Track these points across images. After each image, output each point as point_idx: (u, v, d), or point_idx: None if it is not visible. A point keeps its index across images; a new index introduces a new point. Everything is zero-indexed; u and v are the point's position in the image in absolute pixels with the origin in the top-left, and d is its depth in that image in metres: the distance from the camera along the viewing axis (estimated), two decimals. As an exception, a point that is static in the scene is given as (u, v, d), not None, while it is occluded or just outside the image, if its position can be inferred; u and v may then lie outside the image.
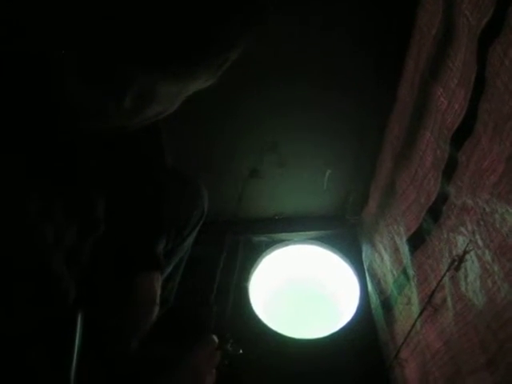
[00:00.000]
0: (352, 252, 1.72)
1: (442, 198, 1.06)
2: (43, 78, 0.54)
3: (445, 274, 1.04)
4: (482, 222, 0.88)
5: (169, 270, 1.15)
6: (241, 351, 1.02)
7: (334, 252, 1.73)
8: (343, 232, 1.75)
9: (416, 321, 1.20)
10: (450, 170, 1.00)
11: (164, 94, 0.61)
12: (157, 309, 0.97)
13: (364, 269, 1.65)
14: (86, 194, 0.75)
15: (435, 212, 1.10)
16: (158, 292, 0.98)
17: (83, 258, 0.77)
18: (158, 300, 0.97)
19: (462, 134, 0.93)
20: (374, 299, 1.55)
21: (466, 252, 0.95)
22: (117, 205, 0.88)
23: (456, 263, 0.99)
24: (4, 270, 0.60)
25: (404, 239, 1.29)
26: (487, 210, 0.86)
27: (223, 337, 0.97)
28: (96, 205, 0.79)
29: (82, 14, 0.49)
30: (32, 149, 0.62)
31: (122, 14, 0.49)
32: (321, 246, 1.75)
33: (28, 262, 0.63)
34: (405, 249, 1.29)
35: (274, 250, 1.73)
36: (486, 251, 0.87)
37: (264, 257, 1.72)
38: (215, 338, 0.92)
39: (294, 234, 1.74)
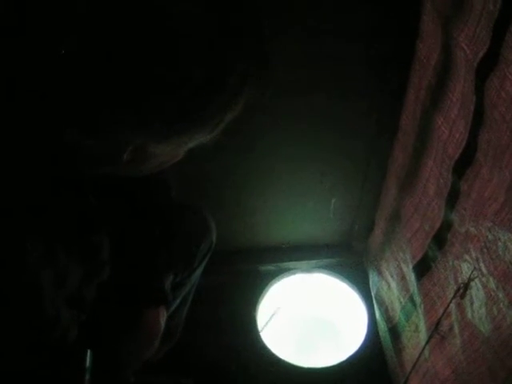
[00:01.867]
0: (359, 280, 1.72)
1: (447, 225, 1.07)
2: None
3: (451, 301, 1.04)
4: (485, 250, 0.89)
5: (177, 302, 1.16)
6: None
7: (341, 280, 1.73)
8: (350, 260, 1.75)
9: (424, 348, 1.19)
10: (453, 199, 1.02)
11: (161, 151, 0.63)
12: (158, 343, 0.98)
13: (371, 296, 1.65)
14: (89, 238, 0.76)
15: (440, 239, 1.11)
16: (163, 327, 0.99)
17: (87, 299, 0.78)
18: (160, 335, 0.98)
19: (464, 162, 0.95)
20: (382, 327, 1.55)
21: (470, 279, 0.96)
22: (125, 243, 0.90)
23: (461, 290, 0.99)
24: None
25: (410, 266, 1.29)
26: (490, 237, 0.87)
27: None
28: (101, 248, 0.79)
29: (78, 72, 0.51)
30: (37, 187, 0.63)
31: (109, 73, 0.50)
32: (328, 273, 1.75)
33: (22, 304, 0.64)
34: (411, 276, 1.29)
35: (281, 278, 1.74)
36: (491, 278, 0.88)
37: (271, 286, 1.72)
38: None
39: (300, 262, 1.74)
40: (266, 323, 1.71)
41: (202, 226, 1.18)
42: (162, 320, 0.98)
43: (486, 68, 0.80)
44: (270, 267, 1.74)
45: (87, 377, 0.73)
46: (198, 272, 1.20)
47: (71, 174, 0.67)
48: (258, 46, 0.59)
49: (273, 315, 1.76)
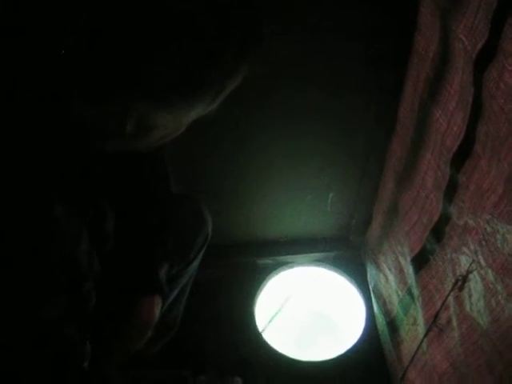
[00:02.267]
0: (357, 273, 1.72)
1: (445, 218, 1.07)
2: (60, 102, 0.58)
3: (449, 294, 1.04)
4: (483, 242, 0.89)
5: (174, 294, 1.16)
6: None
7: (339, 273, 1.73)
8: (348, 253, 1.76)
9: (422, 341, 1.20)
10: (451, 191, 1.01)
11: (162, 121, 0.64)
12: (150, 333, 0.98)
13: (369, 290, 1.65)
14: (95, 203, 0.78)
15: (438, 232, 1.11)
16: (157, 316, 0.99)
17: (95, 268, 0.79)
18: (153, 324, 0.98)
19: (462, 155, 0.95)
20: (380, 320, 1.55)
21: (469, 272, 0.96)
22: (121, 230, 0.90)
23: (460, 283, 0.99)
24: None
25: (408, 259, 1.29)
26: (488, 230, 0.87)
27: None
28: (105, 217, 0.81)
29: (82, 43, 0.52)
30: (54, 161, 0.66)
31: (115, 44, 0.52)
32: (326, 267, 1.75)
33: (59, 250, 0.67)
34: (409, 269, 1.29)
35: (279, 272, 1.74)
36: (489, 271, 0.88)
37: (269, 279, 1.72)
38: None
39: (298, 256, 1.75)
40: (275, 314, 1.72)
41: (198, 217, 1.19)
42: (157, 309, 0.98)
43: (484, 59, 0.79)
44: (268, 261, 1.74)
45: (85, 364, 0.74)
46: (195, 264, 1.21)
47: (80, 150, 0.69)
48: (255, 22, 0.61)
49: (280, 308, 1.76)
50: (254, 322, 1.60)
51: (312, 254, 1.75)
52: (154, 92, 0.57)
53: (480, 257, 0.91)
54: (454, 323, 1.04)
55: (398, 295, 1.41)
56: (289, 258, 1.75)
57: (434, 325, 1.12)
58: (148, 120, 0.62)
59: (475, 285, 0.94)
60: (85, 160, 0.73)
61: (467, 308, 0.98)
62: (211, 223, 1.22)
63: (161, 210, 1.08)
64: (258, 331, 1.58)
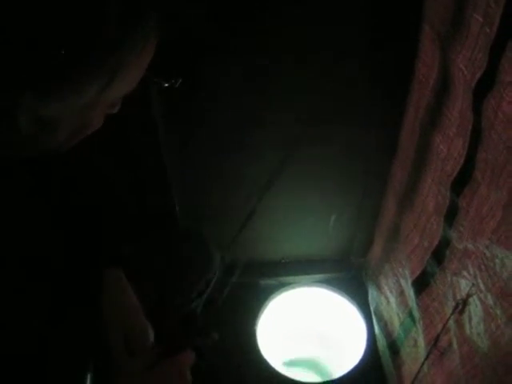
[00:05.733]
0: (358, 294, 1.72)
1: (445, 242, 1.08)
2: None
3: (450, 317, 1.05)
4: (483, 267, 0.90)
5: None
6: None
7: (341, 295, 1.74)
8: (349, 275, 1.76)
9: (423, 364, 1.20)
10: (451, 215, 1.03)
11: (57, 112, 0.59)
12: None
13: (370, 311, 1.66)
14: None
15: (439, 256, 1.12)
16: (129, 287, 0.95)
17: None
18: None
19: (462, 180, 0.96)
20: (381, 342, 1.56)
21: (469, 296, 0.97)
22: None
23: (460, 307, 1.00)
24: None
25: (409, 282, 1.30)
26: (488, 254, 0.88)
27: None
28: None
29: None
30: None
31: None
32: (327, 288, 1.76)
33: None
34: (410, 291, 1.30)
35: (280, 293, 1.74)
36: (488, 295, 0.89)
37: (271, 300, 1.73)
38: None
39: (300, 277, 1.76)
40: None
41: (207, 260, 1.19)
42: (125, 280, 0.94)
43: (483, 89, 0.82)
44: (271, 281, 1.75)
45: None
46: (199, 302, 1.21)
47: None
48: None
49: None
50: (256, 342, 1.61)
51: (314, 275, 1.76)
52: (33, 81, 0.52)
53: (479, 281, 0.92)
54: (455, 346, 1.05)
55: (399, 317, 1.42)
56: (291, 278, 1.76)
57: (435, 347, 1.13)
58: (42, 115, 0.57)
59: (475, 308, 0.95)
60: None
61: (467, 331, 0.99)
62: (219, 263, 1.22)
63: (169, 250, 1.08)
64: (259, 351, 1.58)
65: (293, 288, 1.76)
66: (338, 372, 1.54)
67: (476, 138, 0.88)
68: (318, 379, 1.54)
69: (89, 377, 0.79)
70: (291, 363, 1.72)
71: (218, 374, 1.52)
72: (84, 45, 0.52)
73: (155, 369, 0.81)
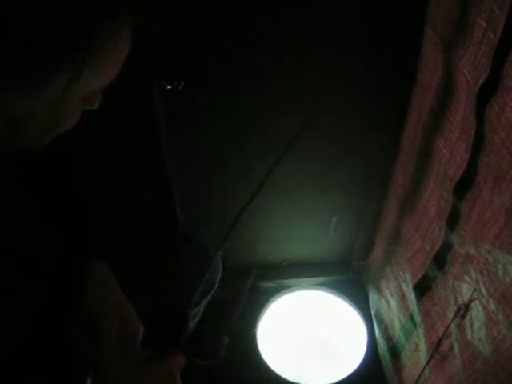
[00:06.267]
0: (359, 298, 1.72)
1: (447, 246, 1.08)
2: None
3: (451, 322, 1.05)
4: (485, 272, 0.90)
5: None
6: None
7: (341, 298, 1.74)
8: (350, 278, 1.76)
9: (424, 368, 1.20)
10: (453, 220, 1.03)
11: (24, 107, 0.57)
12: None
13: (371, 314, 1.65)
14: None
15: (440, 260, 1.12)
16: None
17: None
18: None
19: (464, 185, 0.96)
20: (382, 345, 1.55)
21: (471, 300, 0.97)
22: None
23: (462, 311, 1.00)
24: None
25: (410, 286, 1.30)
26: (490, 259, 0.88)
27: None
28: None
29: None
30: None
31: None
32: (328, 291, 1.76)
33: None
34: (411, 295, 1.30)
35: (281, 296, 1.74)
36: (490, 300, 0.89)
37: (271, 303, 1.72)
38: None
39: (300, 280, 1.75)
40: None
41: (210, 269, 1.18)
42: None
43: (486, 94, 0.81)
44: (271, 284, 1.74)
45: None
46: (199, 309, 1.21)
47: None
48: None
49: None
50: (256, 345, 1.60)
51: (314, 278, 1.76)
52: None
53: (481, 286, 0.92)
54: (456, 351, 1.05)
55: (400, 321, 1.42)
56: (291, 281, 1.76)
57: (436, 352, 1.13)
58: (5, 111, 0.56)
59: (477, 313, 0.95)
60: None
61: (469, 336, 0.98)
62: (221, 273, 1.23)
63: (173, 259, 1.08)
64: (260, 355, 1.58)
65: (293, 291, 1.76)
66: (339, 375, 1.54)
67: (479, 142, 0.88)
68: (319, 383, 1.54)
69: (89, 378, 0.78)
70: (292, 366, 1.71)
71: (219, 377, 1.52)
72: (45, 38, 0.50)
73: (145, 369, 0.80)
